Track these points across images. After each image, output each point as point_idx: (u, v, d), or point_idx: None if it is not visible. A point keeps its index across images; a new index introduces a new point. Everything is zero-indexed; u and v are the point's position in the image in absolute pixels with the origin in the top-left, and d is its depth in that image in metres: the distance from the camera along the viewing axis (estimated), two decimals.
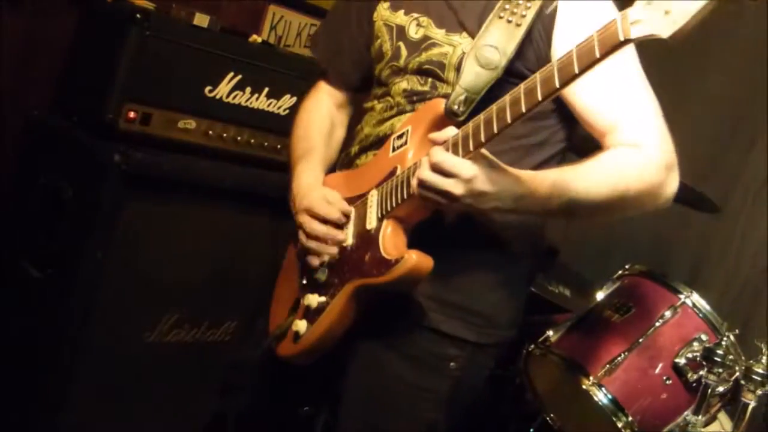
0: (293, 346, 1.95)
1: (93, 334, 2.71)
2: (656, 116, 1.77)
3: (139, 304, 2.81)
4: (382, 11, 2.01)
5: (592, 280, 3.45)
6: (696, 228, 3.94)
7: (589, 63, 1.45)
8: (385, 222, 1.79)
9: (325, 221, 1.91)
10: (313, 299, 1.90)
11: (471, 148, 1.61)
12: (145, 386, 2.90)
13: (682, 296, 2.94)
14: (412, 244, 1.80)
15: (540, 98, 1.51)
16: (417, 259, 1.72)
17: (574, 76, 1.47)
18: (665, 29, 1.35)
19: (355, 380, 1.93)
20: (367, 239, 1.82)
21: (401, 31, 1.95)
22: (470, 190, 1.61)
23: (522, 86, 1.55)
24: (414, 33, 1.93)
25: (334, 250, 1.90)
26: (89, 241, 2.68)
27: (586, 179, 1.71)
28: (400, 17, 1.97)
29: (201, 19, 2.86)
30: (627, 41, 1.40)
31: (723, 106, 3.96)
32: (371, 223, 1.82)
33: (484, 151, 1.62)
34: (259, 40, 3.22)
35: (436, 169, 1.61)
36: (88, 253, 2.68)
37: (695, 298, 2.94)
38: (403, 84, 1.94)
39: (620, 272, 3.17)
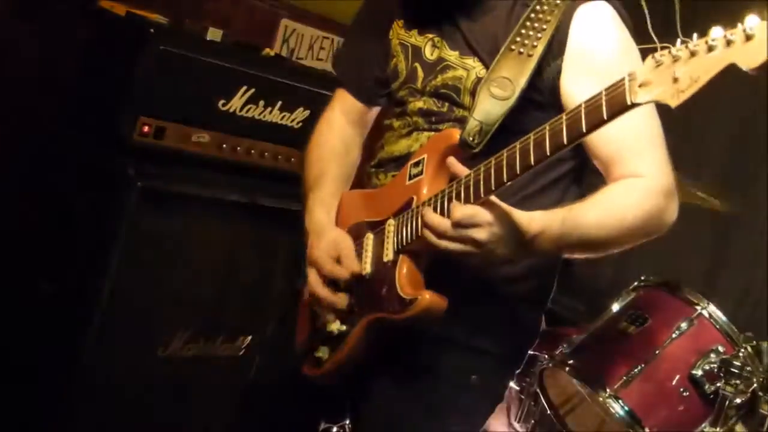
0: (315, 368, 1.96)
1: (107, 349, 2.70)
2: (657, 145, 1.81)
3: (154, 318, 2.81)
4: (398, 30, 2.01)
5: (606, 290, 3.42)
6: (712, 235, 3.93)
7: (596, 123, 1.49)
8: (401, 257, 1.80)
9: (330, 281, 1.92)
10: (334, 326, 1.91)
11: (482, 194, 1.65)
12: (160, 401, 2.89)
13: (698, 308, 2.93)
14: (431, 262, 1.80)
15: (548, 153, 1.55)
16: (430, 300, 1.73)
17: (582, 134, 1.51)
18: (672, 98, 1.38)
19: (376, 398, 1.93)
20: (384, 272, 1.83)
21: (417, 52, 1.96)
22: (492, 234, 1.64)
23: (531, 137, 1.58)
24: (429, 54, 1.94)
25: (330, 317, 1.91)
26: (103, 255, 2.67)
27: (594, 214, 1.74)
28: (414, 37, 1.97)
29: (214, 33, 2.86)
30: (634, 105, 1.43)
31: (740, 112, 3.95)
32: (388, 255, 1.83)
33: (493, 198, 1.65)
34: (272, 53, 3.23)
35: (460, 225, 1.64)
36: (102, 267, 2.67)
37: (711, 309, 2.92)
38: (419, 104, 1.94)
39: (635, 283, 3.16)
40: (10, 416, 2.75)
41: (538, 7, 1.79)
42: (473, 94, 1.82)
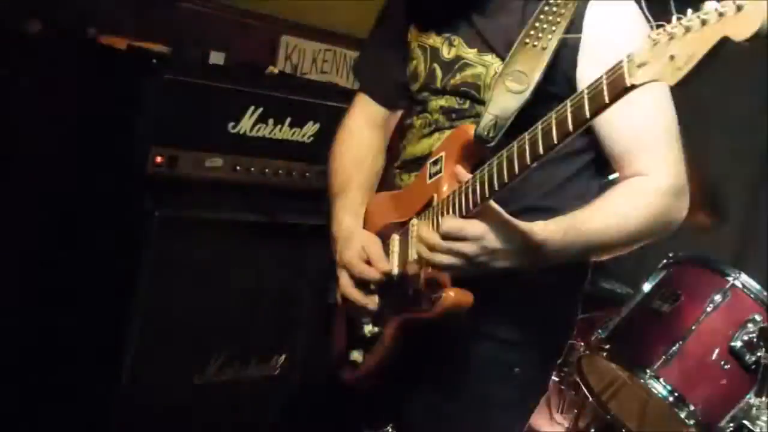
0: (352, 373, 1.97)
1: (142, 381, 2.72)
2: (668, 141, 1.79)
3: (186, 347, 2.82)
4: (415, 32, 2.02)
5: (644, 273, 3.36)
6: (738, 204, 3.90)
7: (599, 107, 1.48)
8: None
9: (362, 281, 1.92)
10: (366, 329, 1.93)
11: (487, 195, 1.64)
12: (200, 427, 2.90)
13: (730, 278, 2.91)
14: None
15: (556, 141, 1.54)
16: (455, 297, 1.73)
17: (586, 120, 1.50)
18: (670, 76, 1.36)
19: (418, 399, 1.93)
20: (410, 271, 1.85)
21: (435, 53, 1.96)
22: (482, 248, 1.64)
23: (539, 126, 1.57)
24: (447, 53, 1.94)
25: (368, 312, 1.92)
26: (130, 289, 2.69)
27: (597, 221, 1.74)
28: (432, 38, 1.97)
29: (216, 57, 2.87)
30: (634, 86, 1.42)
31: None
32: (413, 255, 1.84)
33: (495, 207, 1.65)
34: (276, 70, 3.23)
35: (447, 237, 1.65)
36: (129, 300, 2.69)
37: (744, 279, 2.90)
38: (441, 102, 1.95)
39: (664, 261, 3.14)
40: None
41: (552, 0, 1.79)
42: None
